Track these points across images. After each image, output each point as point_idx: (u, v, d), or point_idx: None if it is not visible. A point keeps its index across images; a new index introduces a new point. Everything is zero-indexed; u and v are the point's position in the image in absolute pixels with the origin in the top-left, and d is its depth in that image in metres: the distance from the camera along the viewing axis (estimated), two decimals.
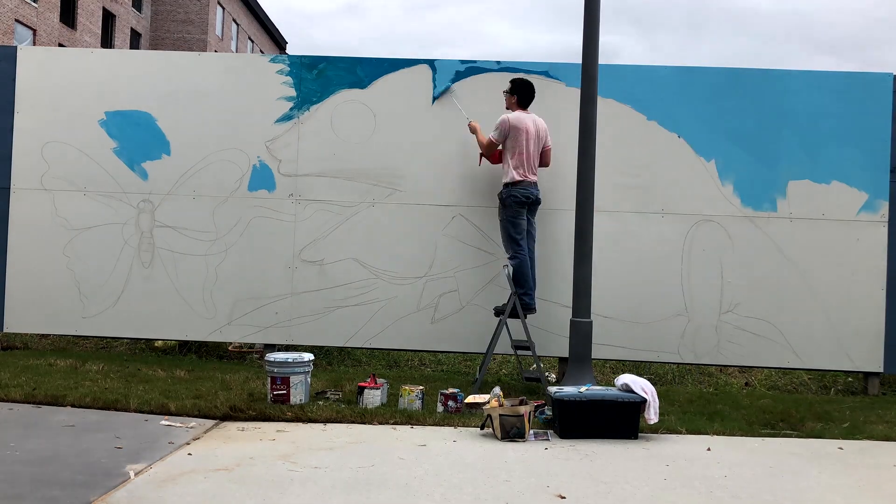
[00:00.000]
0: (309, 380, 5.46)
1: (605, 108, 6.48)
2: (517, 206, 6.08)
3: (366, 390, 5.35)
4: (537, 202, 6.20)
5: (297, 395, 5.32)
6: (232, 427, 4.81)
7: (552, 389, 5.03)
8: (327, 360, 7.29)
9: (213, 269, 6.82)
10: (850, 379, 7.07)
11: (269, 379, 5.33)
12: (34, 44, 30.55)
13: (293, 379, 5.31)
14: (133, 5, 39.67)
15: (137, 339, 7.25)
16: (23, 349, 7.18)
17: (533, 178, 6.14)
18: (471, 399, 5.36)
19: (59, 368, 6.17)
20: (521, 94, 6.19)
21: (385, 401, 5.39)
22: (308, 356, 5.44)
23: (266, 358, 5.42)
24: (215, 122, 6.84)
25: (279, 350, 6.41)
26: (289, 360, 5.34)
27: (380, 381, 5.48)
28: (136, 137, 6.87)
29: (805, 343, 6.52)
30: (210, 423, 4.87)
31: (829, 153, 6.56)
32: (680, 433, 5.00)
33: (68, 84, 6.91)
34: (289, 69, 6.84)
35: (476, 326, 6.65)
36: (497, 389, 5.14)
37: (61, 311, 6.87)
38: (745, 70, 6.67)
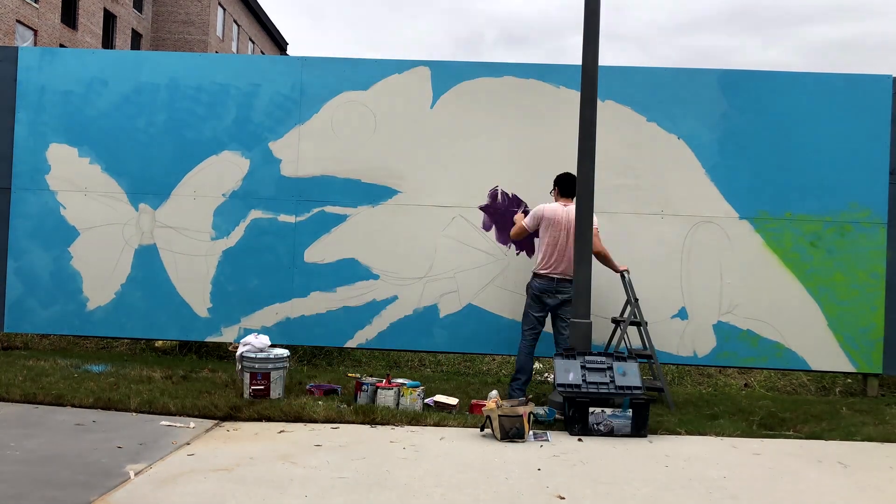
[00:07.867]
0: (285, 375, 5.57)
1: (605, 109, 6.50)
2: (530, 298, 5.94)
3: (379, 390, 5.36)
4: (555, 295, 5.83)
5: (276, 391, 5.43)
6: (232, 427, 4.82)
7: (560, 387, 5.04)
8: (327, 360, 7.30)
9: (213, 269, 6.82)
10: (849, 380, 7.07)
11: (246, 375, 5.40)
12: (35, 44, 30.56)
13: (273, 374, 5.43)
14: (134, 6, 39.64)
15: (137, 339, 7.26)
16: (23, 349, 7.18)
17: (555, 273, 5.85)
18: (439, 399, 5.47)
19: (59, 368, 6.17)
20: (561, 187, 6.00)
21: (397, 402, 5.37)
22: (285, 352, 5.56)
23: (244, 354, 5.47)
24: (216, 122, 6.85)
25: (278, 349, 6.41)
26: (270, 357, 5.43)
27: (395, 381, 5.50)
28: (137, 137, 6.88)
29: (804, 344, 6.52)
30: (210, 423, 4.87)
31: (827, 154, 6.56)
32: (679, 434, 5.01)
33: (69, 84, 6.92)
34: (290, 70, 6.85)
35: (476, 327, 6.65)
36: (494, 392, 5.16)
37: (61, 311, 6.88)
38: (744, 71, 6.67)
